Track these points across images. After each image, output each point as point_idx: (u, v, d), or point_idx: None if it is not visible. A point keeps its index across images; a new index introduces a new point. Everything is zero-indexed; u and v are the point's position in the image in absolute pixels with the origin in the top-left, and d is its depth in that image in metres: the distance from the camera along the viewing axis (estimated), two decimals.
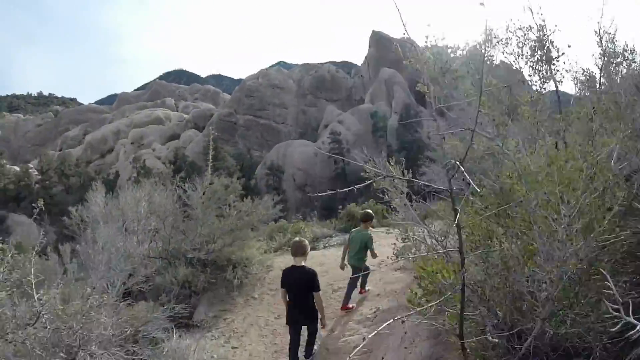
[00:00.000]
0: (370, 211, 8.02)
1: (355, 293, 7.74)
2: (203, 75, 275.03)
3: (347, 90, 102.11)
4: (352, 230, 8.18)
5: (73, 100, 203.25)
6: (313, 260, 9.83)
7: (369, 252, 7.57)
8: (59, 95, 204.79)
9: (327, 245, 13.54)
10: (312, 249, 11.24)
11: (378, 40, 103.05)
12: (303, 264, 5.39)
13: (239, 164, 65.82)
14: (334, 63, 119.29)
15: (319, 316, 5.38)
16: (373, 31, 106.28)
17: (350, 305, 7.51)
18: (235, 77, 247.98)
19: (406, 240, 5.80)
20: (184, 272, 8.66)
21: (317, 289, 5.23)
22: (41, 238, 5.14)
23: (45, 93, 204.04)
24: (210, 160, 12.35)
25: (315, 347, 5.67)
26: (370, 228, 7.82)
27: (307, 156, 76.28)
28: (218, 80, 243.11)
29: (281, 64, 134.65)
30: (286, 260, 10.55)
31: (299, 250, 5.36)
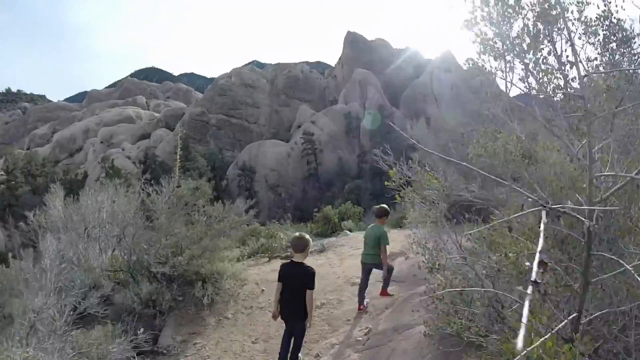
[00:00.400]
0: (386, 206, 7.50)
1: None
2: (175, 74, 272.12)
3: (321, 91, 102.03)
4: (369, 225, 7.72)
5: (42, 97, 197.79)
6: None
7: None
8: (28, 92, 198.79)
9: None
10: (286, 258, 10.76)
11: (352, 41, 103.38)
12: (303, 261, 5.25)
13: (210, 165, 64.99)
14: (307, 63, 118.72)
15: (307, 317, 5.22)
16: (348, 32, 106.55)
17: (364, 305, 7.34)
18: (208, 76, 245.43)
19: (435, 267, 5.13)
20: (147, 289, 7.67)
21: (312, 287, 5.13)
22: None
23: (14, 89, 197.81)
24: (179, 161, 11.45)
25: (300, 354, 5.49)
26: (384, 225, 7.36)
27: (280, 156, 75.88)
28: (191, 79, 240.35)
29: (255, 63, 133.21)
30: (262, 271, 10.17)
31: (298, 247, 5.24)
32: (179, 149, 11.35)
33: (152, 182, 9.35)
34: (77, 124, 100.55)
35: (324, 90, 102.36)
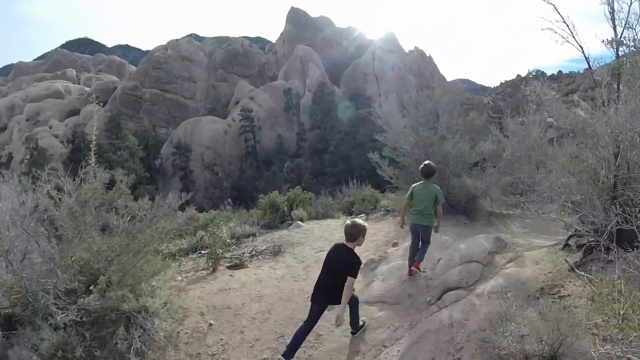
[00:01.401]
0: (432, 165, 6.76)
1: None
2: (109, 45, 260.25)
3: (260, 66, 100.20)
4: (414, 185, 6.87)
5: None
6: (243, 290, 6.91)
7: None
8: None
9: (255, 254, 9.24)
10: (235, 266, 8.35)
11: (295, 17, 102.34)
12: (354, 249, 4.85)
13: (143, 143, 62.29)
14: (248, 38, 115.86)
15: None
16: (292, 7, 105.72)
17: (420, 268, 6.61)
18: (144, 49, 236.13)
19: None
20: (51, 341, 5.07)
21: (354, 275, 4.71)
22: None
23: None
24: (94, 146, 8.31)
25: (363, 319, 5.50)
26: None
27: (217, 134, 73.71)
28: (125, 51, 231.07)
29: (193, 36, 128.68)
30: (206, 292, 7.02)
31: (351, 236, 4.83)
32: (94, 129, 8.94)
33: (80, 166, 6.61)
34: (1, 100, 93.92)
35: (263, 65, 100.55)
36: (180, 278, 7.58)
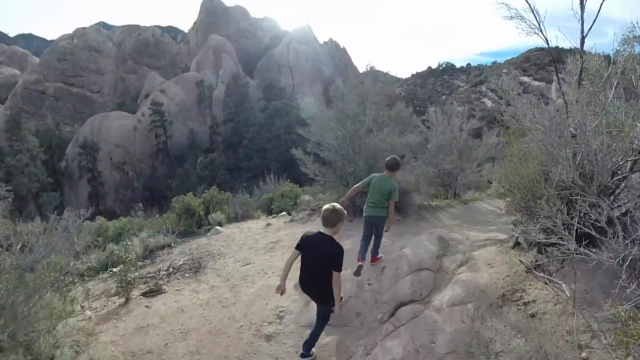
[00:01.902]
0: (398, 158, 6.69)
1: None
2: (11, 35, 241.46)
3: (172, 57, 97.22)
4: (374, 174, 6.76)
5: None
6: (164, 326, 5.81)
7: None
8: None
9: (173, 271, 7.91)
10: (151, 292, 7.05)
11: (210, 6, 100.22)
12: (333, 236, 4.47)
13: (46, 143, 59.48)
14: (159, 27, 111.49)
15: (333, 301, 4.51)
16: None
17: (379, 257, 6.57)
18: (49, 38, 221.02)
19: None
20: None
21: (338, 268, 4.35)
22: None
23: None
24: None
25: (313, 350, 4.80)
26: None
27: (126, 130, 70.80)
28: (29, 40, 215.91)
29: (101, 25, 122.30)
30: (120, 333, 5.75)
31: (329, 221, 4.42)
32: None
33: None
34: None
35: (175, 56, 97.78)
36: (89, 314, 6.26)
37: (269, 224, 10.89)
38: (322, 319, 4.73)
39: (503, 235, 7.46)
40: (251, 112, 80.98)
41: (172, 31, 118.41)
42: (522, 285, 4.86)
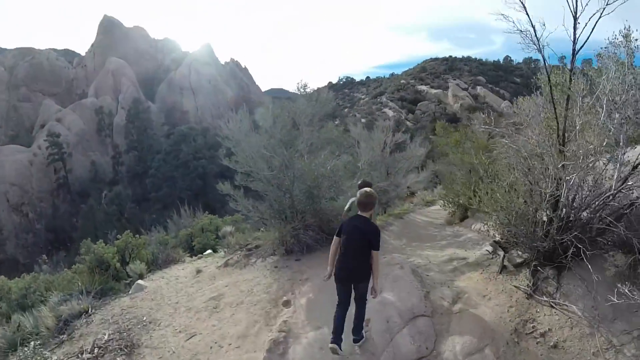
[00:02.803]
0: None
1: None
2: None
3: (68, 82, 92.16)
4: (352, 198, 6.73)
5: None
6: None
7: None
8: None
9: (100, 354, 6.14)
10: None
11: (108, 27, 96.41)
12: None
13: None
14: (55, 50, 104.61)
15: (372, 279, 4.89)
16: (105, 16, 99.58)
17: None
18: None
19: None
20: None
21: (377, 247, 4.76)
22: None
23: None
24: None
25: (364, 332, 5.09)
26: None
27: (21, 166, 66.22)
28: None
29: None
30: None
31: (366, 206, 4.93)
32: None
33: None
34: None
35: (72, 82, 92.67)
36: None
37: (199, 271, 9.13)
38: (363, 300, 4.93)
39: (463, 252, 7.43)
40: (155, 139, 79.19)
41: (69, 54, 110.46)
42: (529, 314, 4.64)
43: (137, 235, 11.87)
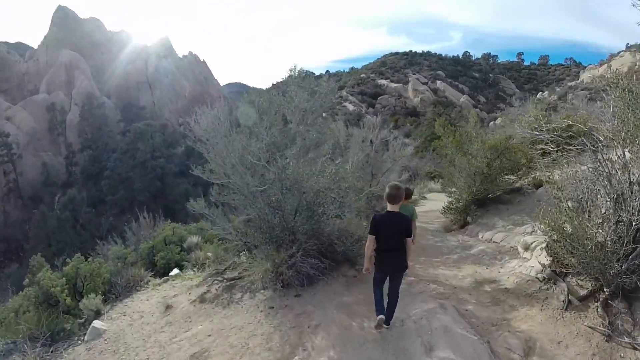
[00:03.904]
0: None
1: None
2: None
3: (19, 78, 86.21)
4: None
5: None
6: None
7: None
8: None
9: None
10: None
11: (62, 18, 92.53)
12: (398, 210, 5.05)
13: None
14: (6, 44, 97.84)
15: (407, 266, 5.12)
16: (59, 6, 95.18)
17: None
18: None
19: None
20: None
21: (410, 234, 5.02)
22: None
23: None
24: None
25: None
26: None
27: None
28: None
29: None
30: None
31: (396, 199, 4.97)
32: None
33: None
34: None
35: (23, 77, 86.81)
36: None
37: (168, 306, 7.10)
38: (398, 289, 5.14)
39: (486, 271, 6.76)
40: (110, 137, 76.39)
41: (21, 48, 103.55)
42: None
43: (90, 258, 9.80)
